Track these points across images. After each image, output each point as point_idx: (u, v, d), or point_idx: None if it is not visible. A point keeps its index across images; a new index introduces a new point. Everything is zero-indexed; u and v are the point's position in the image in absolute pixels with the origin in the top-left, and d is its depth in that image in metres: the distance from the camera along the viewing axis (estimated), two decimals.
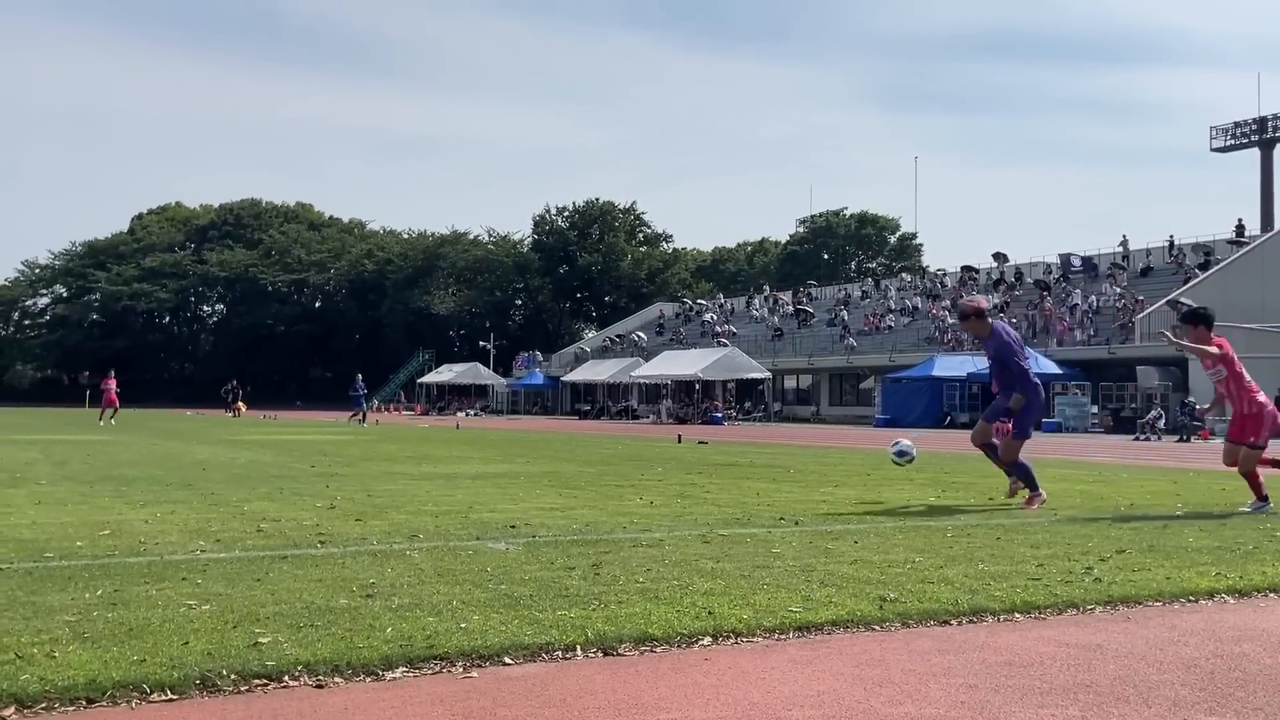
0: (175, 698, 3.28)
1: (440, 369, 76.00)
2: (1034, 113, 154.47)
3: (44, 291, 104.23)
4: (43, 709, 3.16)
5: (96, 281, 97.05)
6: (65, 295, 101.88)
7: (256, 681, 3.41)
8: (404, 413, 66.39)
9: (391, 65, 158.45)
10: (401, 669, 3.59)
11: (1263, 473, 9.03)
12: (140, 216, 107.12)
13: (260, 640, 3.81)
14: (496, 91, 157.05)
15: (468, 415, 60.21)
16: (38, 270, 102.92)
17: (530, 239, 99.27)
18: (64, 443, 19.45)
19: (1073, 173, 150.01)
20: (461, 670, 3.61)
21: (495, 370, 75.70)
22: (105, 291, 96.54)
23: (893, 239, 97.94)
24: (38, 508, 8.09)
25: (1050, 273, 53.82)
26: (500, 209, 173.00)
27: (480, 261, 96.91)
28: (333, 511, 8.05)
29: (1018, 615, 4.60)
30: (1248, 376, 9.08)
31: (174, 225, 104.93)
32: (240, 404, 50.57)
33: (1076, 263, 52.74)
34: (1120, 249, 53.13)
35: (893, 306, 59.33)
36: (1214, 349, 9.06)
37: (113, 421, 32.39)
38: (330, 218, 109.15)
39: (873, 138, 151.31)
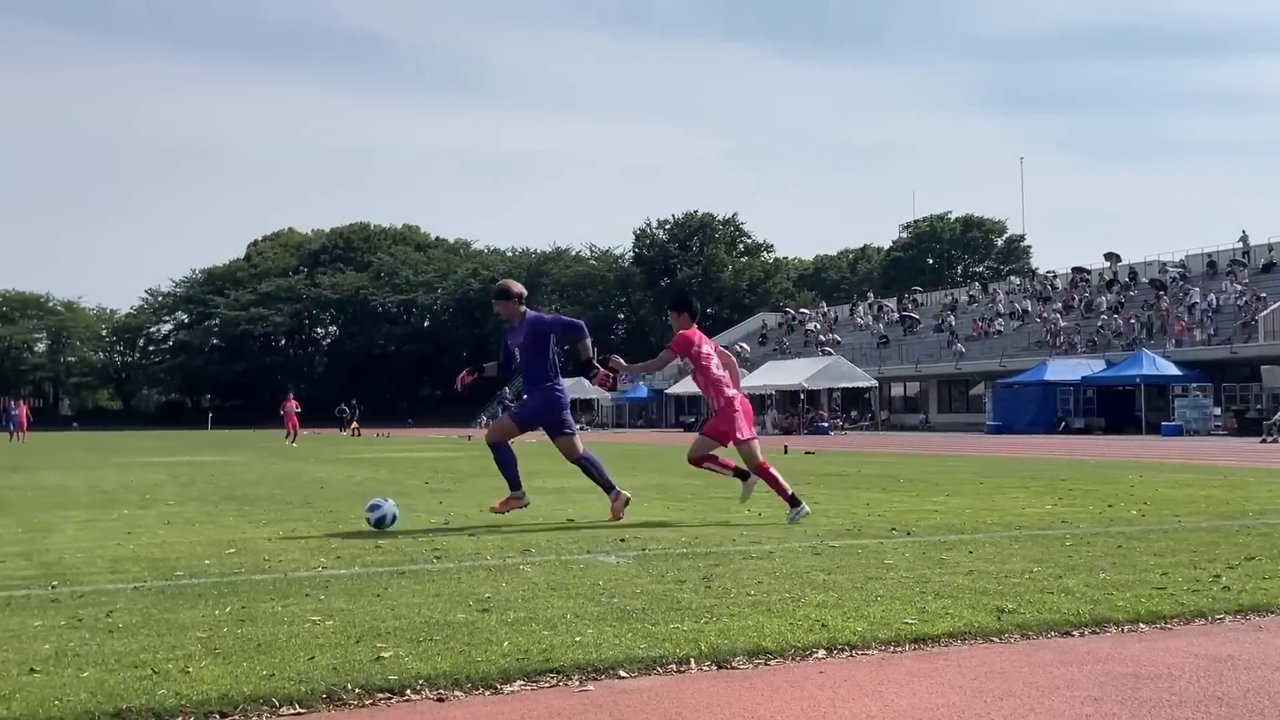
0: (303, 711, 3.37)
1: None
2: (1144, 109, 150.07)
3: (167, 318, 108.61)
4: None
5: (216, 307, 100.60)
6: (187, 321, 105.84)
7: (380, 695, 3.49)
8: None
9: (493, 87, 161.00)
10: (519, 682, 3.64)
11: (717, 469, 8.65)
12: (256, 243, 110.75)
13: (382, 655, 3.90)
14: (596, 109, 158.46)
15: None
16: (160, 298, 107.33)
17: (631, 253, 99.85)
18: (188, 464, 20.15)
19: (1186, 168, 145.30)
20: (577, 684, 3.65)
21: None
22: (224, 316, 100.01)
23: (999, 242, 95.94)
24: (167, 528, 8.41)
25: (1165, 271, 52.17)
26: (601, 224, 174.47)
27: (582, 277, 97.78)
28: (447, 527, 8.20)
29: (1143, 625, 4.47)
30: (716, 370, 8.50)
31: (287, 250, 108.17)
32: (355, 424, 51.73)
33: (1174, 274, 51.07)
34: (1240, 244, 51.28)
35: (1001, 310, 58.14)
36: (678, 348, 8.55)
37: (293, 445, 33.24)
38: (436, 239, 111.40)
39: (976, 140, 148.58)
